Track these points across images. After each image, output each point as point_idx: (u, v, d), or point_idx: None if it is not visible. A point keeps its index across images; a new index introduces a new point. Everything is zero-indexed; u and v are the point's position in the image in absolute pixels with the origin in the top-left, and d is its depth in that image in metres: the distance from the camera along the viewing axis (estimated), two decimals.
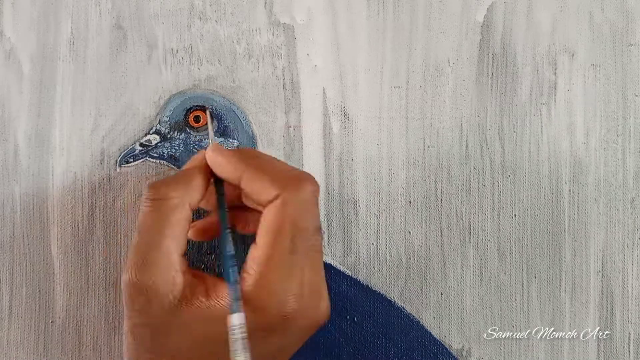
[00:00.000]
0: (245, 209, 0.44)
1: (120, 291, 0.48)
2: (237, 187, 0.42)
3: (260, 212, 0.41)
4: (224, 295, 0.39)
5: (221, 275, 0.40)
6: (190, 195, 0.40)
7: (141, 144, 0.48)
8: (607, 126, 0.49)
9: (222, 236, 0.41)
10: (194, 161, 0.43)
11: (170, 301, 0.39)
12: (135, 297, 0.39)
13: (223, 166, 0.41)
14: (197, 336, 0.39)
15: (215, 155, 0.41)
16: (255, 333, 0.39)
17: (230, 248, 0.40)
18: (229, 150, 0.42)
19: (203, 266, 0.48)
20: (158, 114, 0.49)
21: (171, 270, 0.39)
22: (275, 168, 0.41)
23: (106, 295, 0.48)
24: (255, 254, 0.39)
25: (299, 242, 0.39)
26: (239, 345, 0.37)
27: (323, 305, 0.41)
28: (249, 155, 0.42)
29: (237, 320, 0.38)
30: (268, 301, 0.38)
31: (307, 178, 0.40)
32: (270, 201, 0.39)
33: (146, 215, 0.40)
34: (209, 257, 0.48)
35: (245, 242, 0.47)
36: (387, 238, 0.49)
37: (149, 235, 0.39)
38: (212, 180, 0.43)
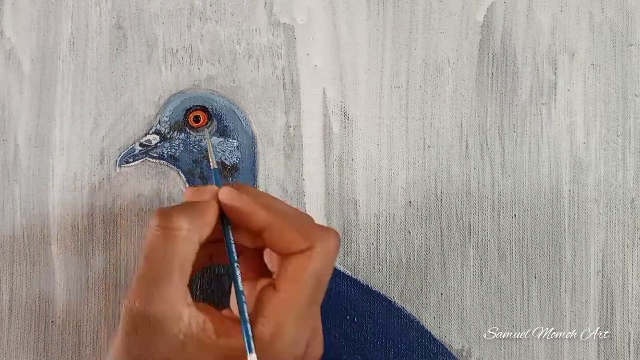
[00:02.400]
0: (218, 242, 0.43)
1: (120, 290, 0.48)
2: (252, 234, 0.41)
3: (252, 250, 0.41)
4: (233, 334, 0.38)
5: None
6: (201, 230, 0.39)
7: (141, 144, 0.49)
8: (607, 126, 0.49)
9: (231, 271, 0.40)
10: (203, 192, 0.41)
11: (176, 334, 0.37)
12: (141, 326, 0.37)
13: (244, 215, 0.40)
14: None
15: (233, 203, 0.40)
16: None
17: (241, 284, 0.40)
18: (244, 195, 0.40)
19: (214, 270, 0.48)
20: (158, 113, 0.49)
21: (178, 303, 0.38)
22: (300, 220, 0.40)
23: (106, 295, 0.48)
24: (275, 301, 0.39)
25: (318, 295, 0.39)
26: None
27: (320, 347, 0.42)
28: (269, 204, 0.40)
29: None
30: (283, 350, 0.38)
31: (334, 232, 0.40)
32: (301, 251, 0.39)
33: (155, 244, 0.38)
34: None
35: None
36: (387, 238, 0.49)
37: (158, 265, 0.38)
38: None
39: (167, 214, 0.38)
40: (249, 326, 0.38)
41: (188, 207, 0.40)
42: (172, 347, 0.37)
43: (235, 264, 0.40)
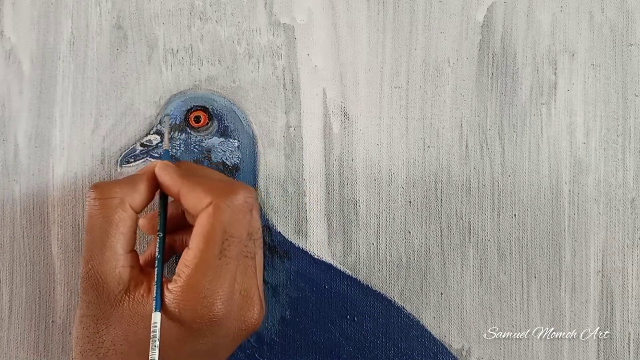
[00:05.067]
0: (184, 230, 0.46)
1: None
2: (180, 205, 0.44)
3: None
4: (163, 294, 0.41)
5: None
6: (132, 196, 0.42)
7: (142, 144, 0.48)
8: (607, 126, 0.49)
9: (158, 238, 0.43)
10: (144, 169, 0.45)
11: (115, 294, 0.41)
12: (87, 289, 0.41)
13: (166, 183, 0.43)
14: (132, 331, 0.41)
15: (160, 173, 0.43)
16: (183, 334, 0.41)
17: (159, 251, 0.43)
18: (174, 167, 0.43)
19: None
20: (158, 114, 0.49)
21: (117, 266, 0.41)
22: (210, 179, 0.43)
23: None
24: (186, 257, 0.41)
25: (229, 248, 0.41)
26: (151, 343, 0.40)
27: (254, 311, 0.43)
28: (188, 170, 0.44)
29: (155, 318, 0.40)
30: (196, 303, 0.40)
31: (241, 186, 0.42)
32: (204, 209, 0.41)
33: (91, 215, 0.42)
34: None
35: None
36: (387, 238, 0.49)
37: (95, 234, 0.41)
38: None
39: (98, 186, 0.42)
40: (159, 288, 0.41)
41: (121, 179, 0.44)
42: (112, 305, 0.41)
43: (159, 233, 0.43)
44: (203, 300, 0.40)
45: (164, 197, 0.44)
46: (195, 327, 0.40)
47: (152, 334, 0.40)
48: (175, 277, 0.41)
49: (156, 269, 0.42)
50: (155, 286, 0.41)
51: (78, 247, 0.48)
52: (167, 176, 0.43)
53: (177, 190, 0.42)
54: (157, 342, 0.39)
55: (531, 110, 0.49)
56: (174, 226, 0.45)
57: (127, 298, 0.41)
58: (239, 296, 0.42)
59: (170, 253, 0.46)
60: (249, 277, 0.43)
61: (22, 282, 0.48)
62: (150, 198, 0.43)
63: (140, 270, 0.42)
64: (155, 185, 0.43)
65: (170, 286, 0.41)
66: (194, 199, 0.41)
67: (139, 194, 0.42)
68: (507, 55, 0.49)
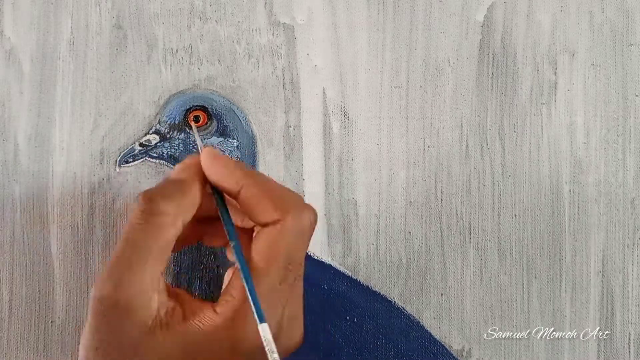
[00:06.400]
0: (211, 221, 0.42)
1: None
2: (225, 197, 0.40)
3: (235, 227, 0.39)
4: (203, 318, 0.37)
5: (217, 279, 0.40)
6: (185, 211, 0.38)
7: (141, 144, 0.48)
8: (607, 126, 0.49)
9: (233, 248, 0.39)
10: (187, 168, 0.40)
11: (145, 321, 0.36)
12: (109, 313, 0.36)
13: (221, 174, 0.39)
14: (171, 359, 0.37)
15: (212, 162, 0.39)
16: (228, 358, 0.37)
17: (243, 261, 0.38)
18: (226, 157, 0.40)
19: (202, 266, 0.48)
20: (158, 113, 0.49)
21: (150, 289, 0.37)
22: (277, 189, 0.39)
23: None
24: (241, 279, 0.37)
25: (289, 274, 0.38)
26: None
27: (298, 334, 0.40)
28: (247, 167, 0.40)
29: (265, 332, 0.36)
30: (247, 330, 0.37)
31: (309, 207, 0.39)
32: (269, 224, 0.38)
33: (135, 229, 0.37)
34: (209, 258, 0.48)
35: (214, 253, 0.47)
36: (387, 238, 0.49)
37: (134, 251, 0.37)
38: (208, 188, 0.41)
39: (152, 199, 0.37)
40: (257, 303, 0.37)
41: (173, 190, 0.38)
42: (140, 333, 0.36)
43: (232, 242, 0.39)
44: (255, 328, 0.36)
45: (220, 196, 0.40)
46: (242, 351, 0.37)
47: (267, 348, 0.36)
48: (227, 297, 0.37)
49: (246, 284, 0.37)
50: (251, 302, 0.36)
51: (77, 247, 0.48)
52: (224, 169, 0.38)
53: (237, 189, 0.38)
54: (276, 355, 0.36)
55: (531, 110, 0.49)
56: (205, 214, 0.41)
57: (160, 327, 0.37)
58: (287, 320, 0.39)
59: (183, 243, 0.42)
60: (297, 299, 0.39)
61: (22, 282, 0.48)
62: (200, 202, 0.39)
63: (170, 294, 0.38)
64: (204, 188, 0.39)
65: (219, 309, 0.37)
66: (260, 208, 0.37)
67: (191, 208, 0.38)
68: (507, 55, 0.49)
